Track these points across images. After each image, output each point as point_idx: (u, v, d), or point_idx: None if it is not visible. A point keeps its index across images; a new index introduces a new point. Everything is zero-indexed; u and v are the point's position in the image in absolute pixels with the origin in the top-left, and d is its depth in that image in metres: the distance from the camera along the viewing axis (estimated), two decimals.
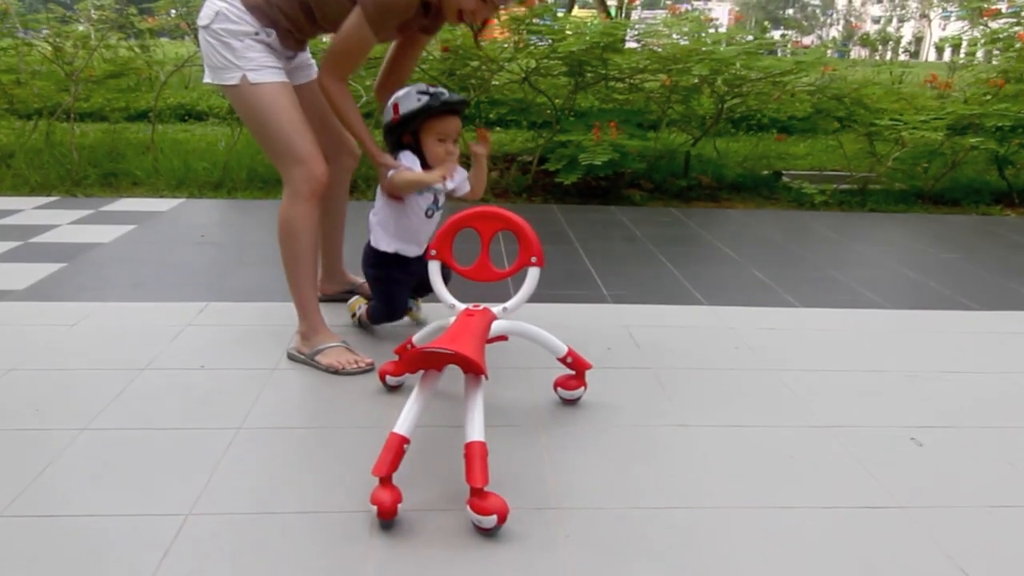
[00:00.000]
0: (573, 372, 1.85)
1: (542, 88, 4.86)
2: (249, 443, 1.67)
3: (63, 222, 3.62)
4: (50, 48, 5.17)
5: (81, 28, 5.51)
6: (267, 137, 2.02)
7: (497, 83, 4.99)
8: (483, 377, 1.45)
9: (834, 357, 2.25)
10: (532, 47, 4.57)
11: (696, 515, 1.45)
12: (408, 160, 2.02)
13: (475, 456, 1.37)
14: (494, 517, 1.34)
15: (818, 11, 43.23)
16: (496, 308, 1.74)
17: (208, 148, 5.13)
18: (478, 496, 1.35)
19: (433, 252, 1.82)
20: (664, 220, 4.08)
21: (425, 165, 2.03)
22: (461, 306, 1.73)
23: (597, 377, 2.00)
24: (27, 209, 3.88)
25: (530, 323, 1.83)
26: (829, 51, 6.66)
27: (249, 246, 3.31)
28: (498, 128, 6.14)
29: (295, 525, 1.39)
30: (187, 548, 1.31)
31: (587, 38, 4.26)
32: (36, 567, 1.26)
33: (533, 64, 4.65)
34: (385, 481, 1.38)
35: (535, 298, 2.54)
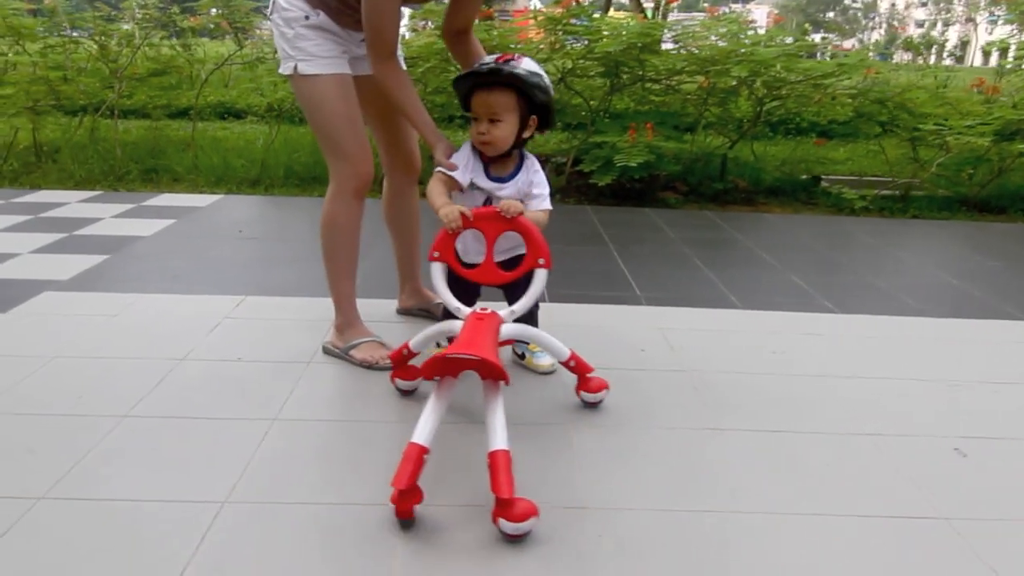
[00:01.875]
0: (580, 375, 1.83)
1: (578, 89, 4.85)
2: (284, 434, 1.69)
3: (106, 216, 3.71)
4: (96, 46, 5.30)
5: (126, 27, 5.65)
6: (316, 129, 1.99)
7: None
8: (503, 383, 1.42)
9: (874, 364, 2.19)
10: (569, 48, 4.55)
11: (730, 519, 1.43)
12: (462, 157, 1.80)
13: (500, 466, 1.32)
14: (527, 523, 1.31)
15: (860, 14, 42.42)
16: (503, 311, 1.67)
17: (246, 146, 5.22)
18: (505, 506, 1.30)
19: (436, 254, 1.72)
20: (699, 223, 4.04)
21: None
22: (467, 310, 1.66)
23: (630, 379, 2.01)
24: (72, 202, 3.99)
25: (560, 327, 1.83)
26: (871, 54, 6.53)
27: (286, 242, 3.35)
28: None
29: (326, 516, 1.40)
30: (222, 535, 1.33)
31: (624, 38, 4.23)
32: (75, 548, 1.29)
33: (569, 65, 4.62)
34: (408, 491, 1.33)
35: (569, 299, 2.63)
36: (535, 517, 1.33)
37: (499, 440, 1.36)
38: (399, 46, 1.93)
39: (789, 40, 5.02)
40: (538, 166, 1.82)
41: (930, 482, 1.58)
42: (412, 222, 2.35)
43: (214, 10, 5.73)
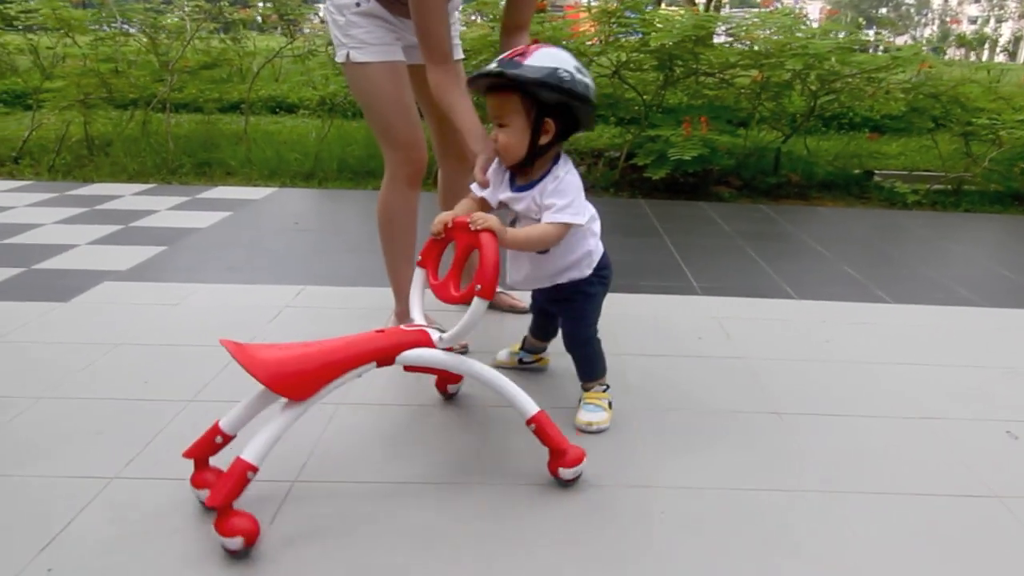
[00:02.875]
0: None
1: (631, 83, 4.82)
2: (348, 418, 1.71)
3: (161, 208, 3.77)
4: (146, 39, 5.37)
5: (175, 19, 5.70)
6: (369, 118, 1.98)
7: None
8: (297, 402, 1.28)
9: (927, 352, 2.21)
10: (624, 41, 4.51)
11: (791, 498, 1.46)
12: (492, 171, 1.66)
13: (233, 472, 1.20)
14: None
15: (912, 10, 41.41)
16: (436, 336, 1.48)
17: (299, 139, 5.28)
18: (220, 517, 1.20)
19: (418, 258, 1.59)
20: (754, 216, 4.03)
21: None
22: (419, 321, 1.52)
23: (690, 366, 2.05)
24: (126, 195, 4.06)
25: (617, 317, 1.88)
26: (924, 49, 6.39)
27: (342, 233, 3.40)
28: None
29: (388, 495, 1.44)
30: (294, 511, 1.37)
31: (678, 30, 4.17)
32: (153, 524, 1.32)
33: (624, 58, 4.59)
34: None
35: (626, 289, 2.62)
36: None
37: (251, 452, 1.21)
38: (455, 46, 1.89)
39: (842, 34, 4.93)
40: (566, 173, 1.56)
41: (983, 463, 1.60)
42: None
43: (261, 3, 5.79)
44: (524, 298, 2.29)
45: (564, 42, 4.63)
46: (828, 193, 4.63)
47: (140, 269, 2.77)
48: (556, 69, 1.45)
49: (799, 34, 4.46)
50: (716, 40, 4.87)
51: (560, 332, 1.79)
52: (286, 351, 1.33)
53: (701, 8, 6.66)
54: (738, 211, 4.12)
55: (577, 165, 4.50)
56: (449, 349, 1.48)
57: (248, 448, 1.22)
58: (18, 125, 5.68)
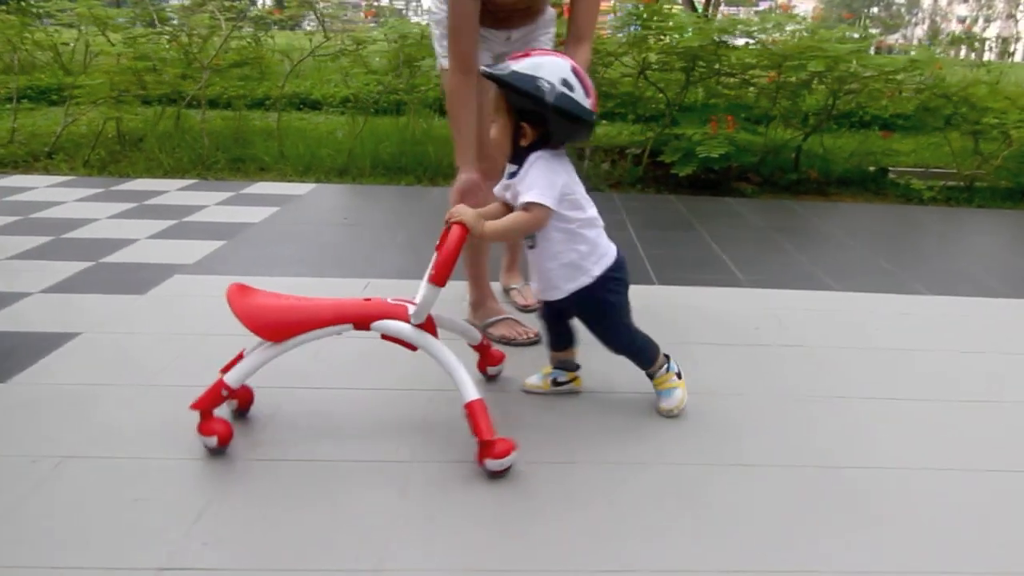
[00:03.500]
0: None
1: (653, 80, 4.95)
2: (446, 406, 1.76)
3: (209, 203, 3.84)
4: (184, 36, 5.41)
5: (206, 17, 5.73)
6: (448, 120, 2.07)
7: (613, 77, 5.07)
8: (274, 342, 1.52)
9: (967, 340, 2.34)
10: (651, 43, 4.64)
11: (867, 473, 1.58)
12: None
13: (212, 388, 1.49)
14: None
15: (903, 10, 41.68)
16: (412, 311, 1.59)
17: (327, 136, 5.34)
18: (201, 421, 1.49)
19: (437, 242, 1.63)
20: (781, 211, 4.17)
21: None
22: (410, 300, 1.62)
23: (752, 354, 2.18)
24: (171, 190, 4.13)
25: (675, 307, 2.08)
26: (938, 51, 6.57)
27: (391, 228, 3.50)
28: (604, 121, 6.21)
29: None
30: (421, 489, 1.46)
31: (706, 33, 4.34)
32: (281, 502, 1.41)
33: (652, 58, 4.71)
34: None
35: (677, 281, 2.79)
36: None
37: (229, 376, 1.51)
38: (480, 60, 1.92)
39: (855, 35, 5.07)
40: (539, 159, 1.57)
41: None
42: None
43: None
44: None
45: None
46: (846, 189, 4.79)
47: (206, 262, 2.84)
48: (536, 78, 1.48)
49: (820, 35, 4.58)
50: (737, 42, 5.00)
51: (594, 337, 1.78)
52: (277, 301, 1.58)
53: (699, 8, 6.80)
54: (764, 206, 4.26)
55: (601, 161, 4.50)
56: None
57: (229, 374, 1.51)
58: (45, 120, 5.73)
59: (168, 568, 1.21)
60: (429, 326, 1.62)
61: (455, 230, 1.50)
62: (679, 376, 1.78)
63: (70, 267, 2.72)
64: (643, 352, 1.76)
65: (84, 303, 2.39)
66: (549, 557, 1.28)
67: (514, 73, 1.49)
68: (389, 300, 1.61)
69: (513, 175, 1.61)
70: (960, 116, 4.81)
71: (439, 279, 1.51)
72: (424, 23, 5.90)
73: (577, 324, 1.81)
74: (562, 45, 2.06)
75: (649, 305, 2.48)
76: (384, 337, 1.61)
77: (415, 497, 1.43)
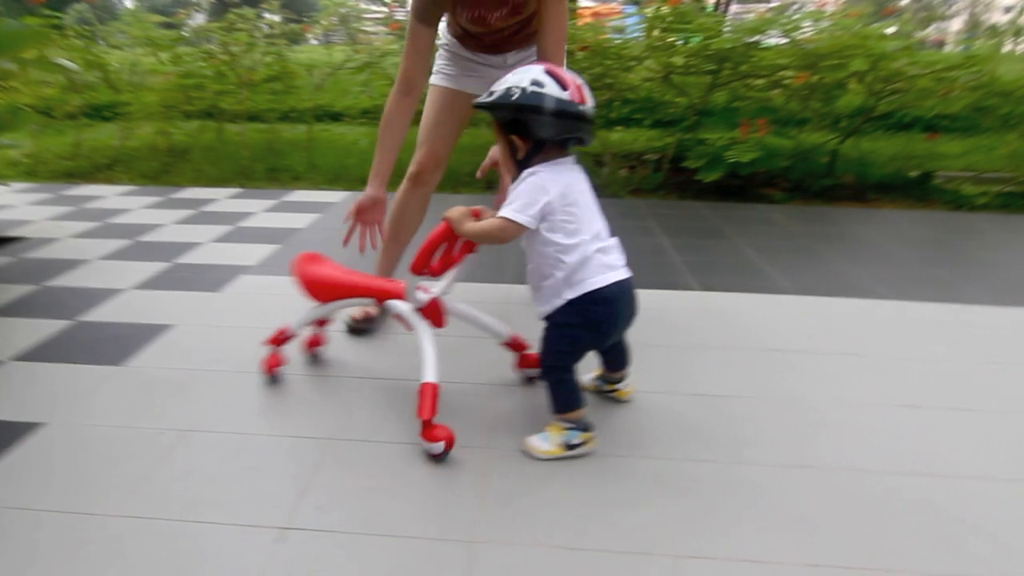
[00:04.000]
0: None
1: (675, 83, 4.92)
2: (508, 397, 1.92)
3: (258, 210, 4.03)
4: (227, 55, 5.66)
5: (243, 35, 5.97)
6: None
7: (634, 82, 5.10)
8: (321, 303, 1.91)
9: None
10: (679, 46, 4.64)
11: (945, 482, 1.58)
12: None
13: (281, 331, 1.96)
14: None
15: (936, 0, 40.67)
16: (421, 294, 1.79)
17: (352, 146, 5.54)
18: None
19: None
20: (817, 218, 4.10)
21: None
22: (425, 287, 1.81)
23: (808, 362, 2.16)
24: (221, 199, 4.34)
25: (718, 310, 2.20)
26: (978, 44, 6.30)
27: (420, 232, 3.54)
28: (620, 127, 6.27)
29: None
30: (502, 474, 1.58)
31: (737, 34, 4.32)
32: (381, 476, 1.56)
33: (679, 61, 4.70)
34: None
35: (719, 287, 2.81)
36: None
37: (292, 323, 1.98)
38: (477, 88, 2.07)
39: (891, 30, 4.95)
40: (530, 175, 1.57)
41: None
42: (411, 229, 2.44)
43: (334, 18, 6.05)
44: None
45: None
46: (886, 195, 4.65)
47: (267, 264, 3.03)
48: (508, 88, 1.53)
49: (862, 32, 4.41)
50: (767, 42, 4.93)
51: (626, 362, 1.84)
52: (331, 271, 1.91)
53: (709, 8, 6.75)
54: (797, 212, 4.20)
55: (620, 168, 4.37)
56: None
57: (293, 322, 1.93)
58: (100, 135, 6.02)
59: (288, 527, 1.38)
60: (434, 312, 1.80)
61: (441, 225, 1.64)
62: (569, 448, 1.62)
63: (152, 267, 2.95)
64: (560, 388, 1.64)
65: (170, 299, 2.60)
66: (632, 541, 1.36)
67: (494, 93, 1.55)
68: (403, 282, 1.82)
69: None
70: (1018, 116, 4.59)
71: (413, 267, 1.67)
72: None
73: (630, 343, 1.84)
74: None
75: (695, 311, 2.55)
76: (394, 317, 1.86)
77: (496, 480, 1.56)
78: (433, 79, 2.24)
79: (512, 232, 1.55)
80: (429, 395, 1.63)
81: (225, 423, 1.76)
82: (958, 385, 2.04)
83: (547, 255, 1.56)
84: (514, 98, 1.51)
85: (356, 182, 4.82)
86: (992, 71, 4.47)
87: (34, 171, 5.06)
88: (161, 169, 5.08)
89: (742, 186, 4.61)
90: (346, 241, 2.00)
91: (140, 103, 5.46)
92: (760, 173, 4.63)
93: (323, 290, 1.89)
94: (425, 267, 1.65)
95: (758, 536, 1.40)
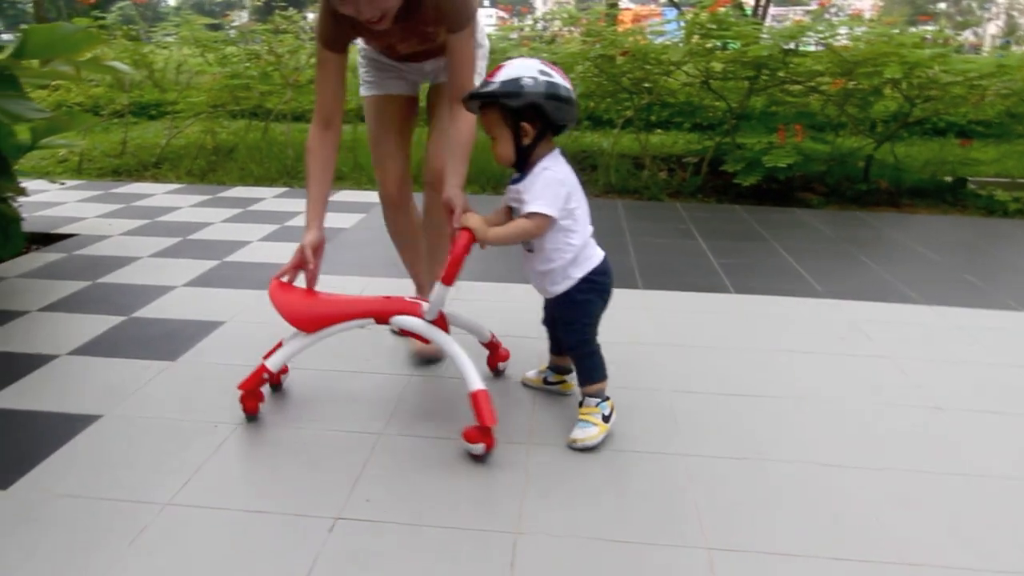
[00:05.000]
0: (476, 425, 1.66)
1: (714, 88, 4.97)
2: (534, 393, 1.99)
3: (302, 210, 4.09)
4: (274, 56, 5.80)
5: (290, 36, 6.12)
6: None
7: (674, 87, 5.16)
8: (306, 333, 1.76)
9: None
10: (718, 52, 4.70)
11: (968, 481, 1.61)
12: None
13: (254, 372, 1.75)
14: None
15: (974, 4, 39.99)
16: (425, 308, 1.78)
17: None
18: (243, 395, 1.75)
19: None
20: (853, 223, 4.12)
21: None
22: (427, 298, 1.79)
23: (841, 364, 2.20)
24: (267, 198, 4.45)
25: (756, 315, 2.21)
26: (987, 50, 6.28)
27: None
28: (659, 130, 6.32)
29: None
30: (539, 467, 1.63)
31: (774, 41, 4.35)
32: (425, 471, 1.62)
33: (718, 67, 4.76)
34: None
35: (756, 290, 2.85)
36: None
37: (270, 361, 1.78)
38: (398, 88, 2.06)
39: (928, 36, 4.97)
40: (546, 169, 1.65)
41: None
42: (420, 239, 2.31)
43: None
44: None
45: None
46: (920, 200, 4.66)
47: None
48: (519, 78, 1.60)
49: (897, 39, 4.43)
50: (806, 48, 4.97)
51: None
52: (311, 296, 1.80)
53: (751, 1, 6.74)
54: (833, 217, 4.22)
55: (660, 171, 4.51)
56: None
57: (270, 359, 1.77)
58: (146, 134, 6.20)
59: (343, 518, 1.45)
60: (441, 322, 1.81)
61: (462, 235, 1.63)
62: (605, 420, 1.74)
63: (202, 265, 3.06)
64: (591, 360, 1.78)
65: (221, 296, 2.69)
66: (666, 534, 1.42)
67: (502, 84, 1.60)
68: (406, 298, 1.84)
69: (516, 181, 1.69)
70: None
71: (448, 279, 1.66)
72: (491, 32, 6.13)
73: None
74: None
75: (726, 314, 2.60)
76: (401, 332, 1.82)
77: (535, 474, 1.62)
78: (361, 90, 2.16)
79: (545, 227, 1.64)
80: (485, 401, 1.64)
81: (277, 417, 1.84)
82: (986, 388, 2.07)
83: (557, 240, 1.68)
84: (535, 87, 1.59)
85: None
86: None
87: (81, 169, 5.22)
88: (207, 168, 5.21)
89: (779, 190, 4.65)
90: (278, 278, 1.83)
91: (187, 103, 5.60)
92: (797, 177, 4.67)
93: (327, 317, 1.78)
94: (456, 278, 1.67)
95: (787, 530, 1.44)
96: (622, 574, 1.32)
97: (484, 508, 1.50)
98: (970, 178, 4.92)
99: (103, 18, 5.92)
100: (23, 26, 3.46)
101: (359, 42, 2.08)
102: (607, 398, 1.78)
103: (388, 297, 1.86)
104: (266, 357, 1.80)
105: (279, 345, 1.85)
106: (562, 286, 1.73)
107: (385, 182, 2.17)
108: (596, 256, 1.75)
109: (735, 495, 1.56)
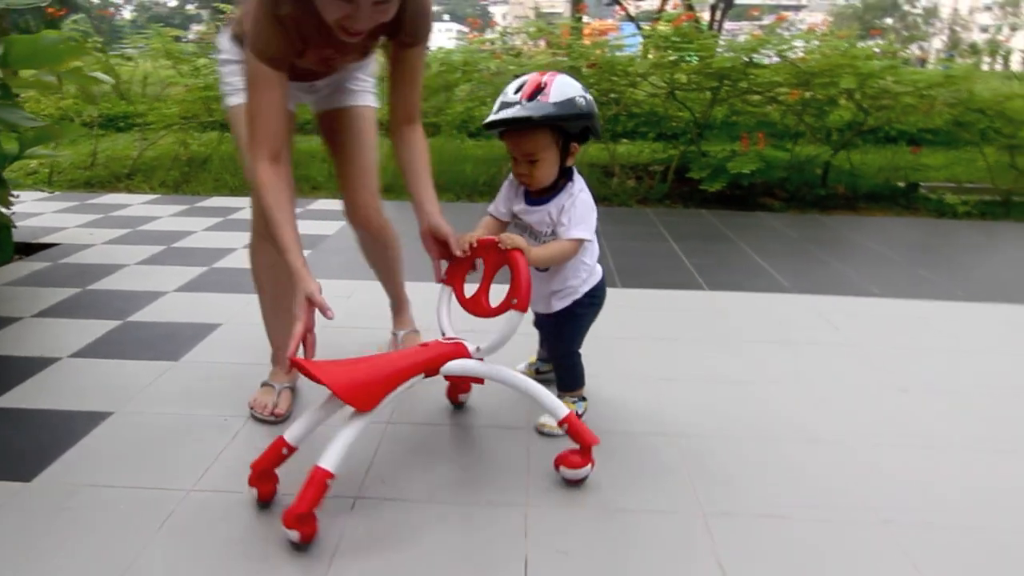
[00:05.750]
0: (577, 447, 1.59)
1: (679, 99, 5.17)
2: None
3: None
4: None
5: None
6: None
7: (639, 98, 5.34)
8: (365, 412, 1.41)
9: (1013, 342, 2.52)
10: (683, 64, 4.89)
11: (927, 454, 1.78)
12: (503, 193, 1.76)
13: (313, 482, 1.33)
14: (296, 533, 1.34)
15: (919, 20, 41.58)
16: (472, 347, 1.60)
17: None
18: (297, 520, 1.33)
19: (444, 277, 1.67)
20: (814, 225, 4.34)
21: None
22: (450, 333, 1.63)
23: (812, 352, 2.37)
24: (246, 207, 4.41)
25: (720, 310, 2.24)
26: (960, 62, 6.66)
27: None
28: (625, 140, 6.51)
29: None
30: (541, 448, 1.73)
31: (736, 54, 4.57)
32: (429, 455, 1.71)
33: (683, 79, 4.95)
34: (263, 475, 1.46)
35: (723, 287, 3.01)
36: (306, 540, 1.34)
37: (327, 459, 1.35)
38: (288, 146, 1.64)
39: (877, 51, 5.24)
40: (580, 191, 1.66)
41: None
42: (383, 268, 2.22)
43: None
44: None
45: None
46: (875, 204, 4.92)
47: None
48: (574, 98, 1.56)
49: (850, 52, 4.71)
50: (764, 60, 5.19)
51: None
52: (353, 365, 1.44)
53: (705, 16, 6.99)
54: (795, 220, 4.44)
55: (628, 179, 4.77)
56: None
57: (325, 458, 1.35)
58: (116, 145, 6.18)
59: (362, 497, 1.54)
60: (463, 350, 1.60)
61: (519, 256, 1.53)
62: (578, 416, 1.76)
63: (190, 271, 3.10)
64: (575, 369, 1.85)
65: (214, 300, 2.74)
66: (666, 503, 1.54)
67: (560, 106, 1.54)
68: (441, 341, 1.59)
69: (538, 202, 1.66)
70: (994, 130, 4.91)
71: (523, 306, 1.53)
72: (463, 45, 6.27)
73: None
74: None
75: (701, 308, 2.77)
76: (449, 379, 1.65)
77: (536, 454, 1.72)
78: (231, 99, 1.79)
79: (579, 250, 1.66)
80: (579, 423, 1.58)
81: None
82: (943, 370, 2.27)
83: (577, 261, 1.71)
84: (584, 108, 1.57)
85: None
86: (969, 88, 4.78)
87: (51, 180, 5.17)
88: (181, 179, 5.21)
89: (743, 196, 4.85)
90: (294, 354, 1.42)
91: (158, 114, 5.61)
92: (759, 184, 4.89)
93: (381, 386, 1.45)
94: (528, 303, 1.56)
95: (774, 495, 1.58)
96: (626, 537, 1.44)
97: (493, 485, 1.60)
98: (921, 183, 5.21)
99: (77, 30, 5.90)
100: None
101: (225, 42, 1.78)
102: (584, 399, 1.89)
103: (424, 345, 1.59)
104: (290, 450, 1.47)
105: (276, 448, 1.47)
106: (566, 302, 1.76)
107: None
108: (598, 272, 1.79)
109: (723, 468, 1.69)
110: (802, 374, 2.21)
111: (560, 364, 1.88)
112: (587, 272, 1.75)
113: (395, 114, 1.72)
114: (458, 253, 1.60)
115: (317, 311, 1.44)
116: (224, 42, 1.80)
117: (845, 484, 1.64)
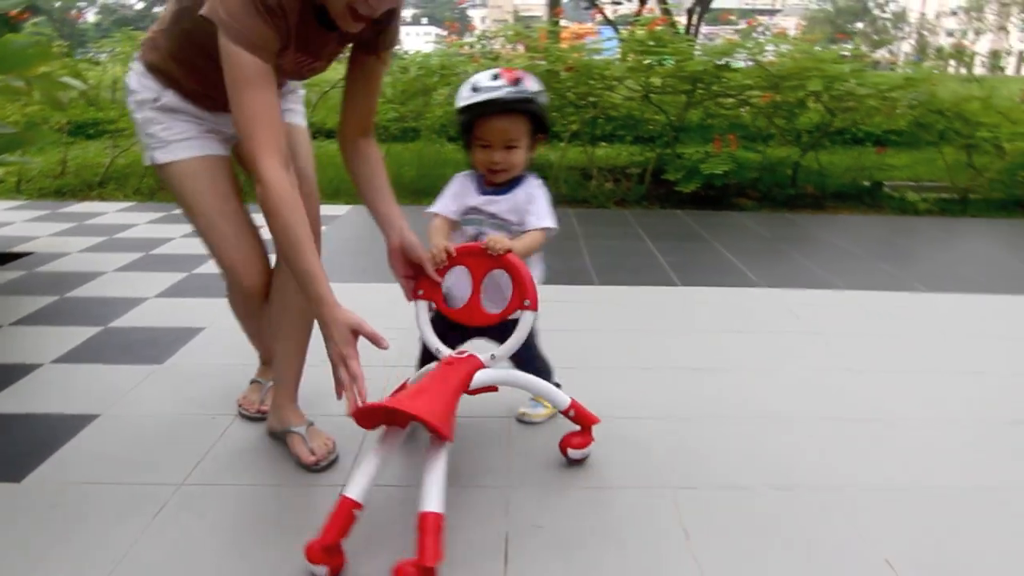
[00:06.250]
0: (579, 428, 1.67)
1: (655, 102, 5.27)
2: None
3: (263, 224, 4.19)
4: None
5: None
6: (196, 230, 1.67)
7: (616, 101, 5.43)
8: (447, 441, 1.32)
9: (964, 327, 2.69)
10: (657, 67, 4.99)
11: (889, 425, 1.89)
12: (450, 192, 1.70)
13: (428, 529, 1.23)
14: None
15: (888, 24, 42.43)
16: (483, 355, 1.55)
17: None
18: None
19: (420, 292, 1.60)
20: (784, 224, 4.48)
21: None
22: (446, 352, 1.55)
23: (772, 341, 2.51)
24: None
25: (691, 304, 2.37)
26: (926, 65, 6.83)
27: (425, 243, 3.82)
28: (603, 143, 6.60)
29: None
30: (520, 435, 1.79)
31: (708, 57, 4.68)
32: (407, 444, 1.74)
33: (658, 82, 5.05)
34: (332, 548, 1.29)
35: (703, 282, 3.13)
36: None
37: (432, 501, 1.26)
38: (286, 150, 1.42)
39: (846, 54, 5.41)
40: (541, 186, 1.67)
41: None
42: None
43: None
44: None
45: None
46: (842, 203, 5.08)
47: None
48: (537, 92, 1.59)
49: (817, 55, 4.86)
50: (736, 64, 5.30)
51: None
52: (416, 395, 1.38)
53: (682, 21, 7.10)
54: (765, 219, 4.58)
55: (605, 181, 4.82)
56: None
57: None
58: (86, 153, 6.12)
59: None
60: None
61: (515, 258, 1.53)
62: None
63: (170, 277, 3.10)
64: (544, 369, 1.79)
65: (195, 305, 2.75)
66: (639, 479, 1.64)
67: (540, 95, 1.58)
68: (453, 355, 1.53)
69: (495, 193, 1.64)
70: (953, 131, 5.10)
71: (535, 305, 1.53)
72: (440, 49, 6.31)
73: None
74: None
75: (674, 303, 2.88)
76: (471, 392, 1.54)
77: (517, 440, 1.80)
78: (159, 155, 1.60)
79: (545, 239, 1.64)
80: (581, 407, 1.65)
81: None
82: (897, 354, 2.42)
83: (537, 254, 1.68)
84: (544, 101, 1.59)
85: (356, 196, 4.97)
86: (929, 91, 4.94)
87: (20, 189, 5.07)
88: (156, 186, 5.15)
89: (716, 196, 4.98)
90: (355, 407, 1.32)
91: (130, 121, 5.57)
92: (732, 184, 5.02)
93: (451, 407, 1.39)
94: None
95: (736, 469, 1.70)
96: (598, 510, 1.54)
97: (475, 469, 1.67)
98: (885, 182, 5.38)
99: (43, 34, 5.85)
100: None
101: (137, 80, 1.59)
102: (559, 384, 1.78)
103: (448, 363, 1.51)
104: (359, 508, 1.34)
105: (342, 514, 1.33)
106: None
107: (248, 271, 1.66)
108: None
109: (692, 446, 1.80)
110: (764, 360, 2.34)
111: (531, 370, 1.70)
112: (542, 266, 1.72)
113: (349, 125, 1.59)
114: (433, 274, 1.55)
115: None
116: (136, 80, 1.58)
117: (802, 457, 1.76)
